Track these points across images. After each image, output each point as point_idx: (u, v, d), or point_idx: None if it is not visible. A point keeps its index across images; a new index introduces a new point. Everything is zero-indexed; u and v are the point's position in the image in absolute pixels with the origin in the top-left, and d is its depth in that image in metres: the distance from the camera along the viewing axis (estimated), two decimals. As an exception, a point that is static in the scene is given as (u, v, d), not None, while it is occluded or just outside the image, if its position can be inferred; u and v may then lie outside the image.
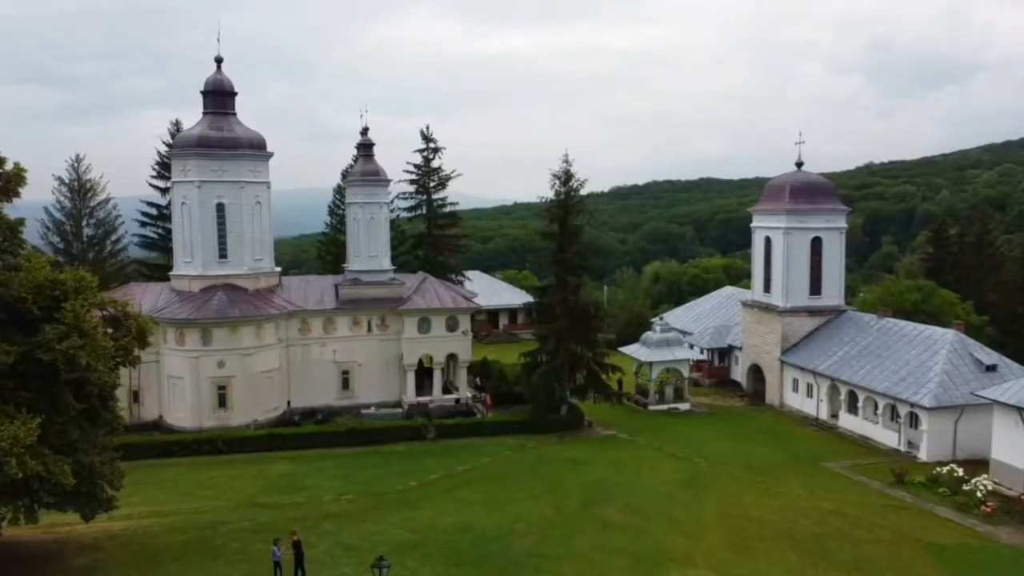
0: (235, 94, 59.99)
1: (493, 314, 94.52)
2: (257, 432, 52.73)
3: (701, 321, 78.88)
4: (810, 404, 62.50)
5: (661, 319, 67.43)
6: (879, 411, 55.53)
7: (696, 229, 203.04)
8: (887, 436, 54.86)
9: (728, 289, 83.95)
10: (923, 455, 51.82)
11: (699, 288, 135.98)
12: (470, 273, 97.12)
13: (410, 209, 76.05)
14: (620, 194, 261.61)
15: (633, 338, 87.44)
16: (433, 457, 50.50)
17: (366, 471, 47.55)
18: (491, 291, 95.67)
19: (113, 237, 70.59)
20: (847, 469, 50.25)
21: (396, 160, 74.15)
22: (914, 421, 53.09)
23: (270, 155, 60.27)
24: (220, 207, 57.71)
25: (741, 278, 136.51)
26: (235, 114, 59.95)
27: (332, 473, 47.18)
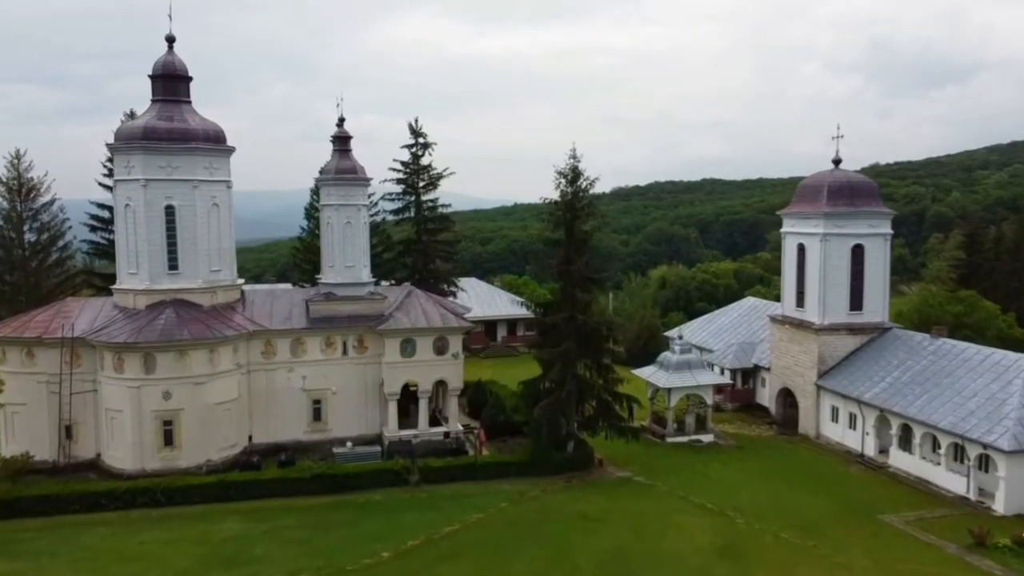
0: (189, 79, 50.37)
1: (491, 325, 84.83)
2: (204, 480, 42.98)
3: (722, 336, 69.18)
4: (853, 437, 52.90)
5: (680, 337, 57.76)
6: (941, 450, 45.95)
7: (700, 231, 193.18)
8: (951, 481, 45.28)
9: (750, 300, 74.24)
10: (1000, 507, 42.29)
11: (708, 294, 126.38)
12: (465, 281, 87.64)
13: (397, 212, 66.25)
14: (621, 195, 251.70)
15: (643, 353, 77.91)
16: (415, 511, 40.93)
17: (332, 532, 37.95)
18: (488, 300, 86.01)
19: (60, 243, 60.92)
20: (912, 525, 40.73)
21: (393, 160, 64.22)
22: (986, 465, 43.54)
23: (230, 150, 50.66)
24: (170, 210, 48.12)
25: (752, 283, 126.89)
26: (190, 102, 50.33)
27: (290, 536, 37.57)
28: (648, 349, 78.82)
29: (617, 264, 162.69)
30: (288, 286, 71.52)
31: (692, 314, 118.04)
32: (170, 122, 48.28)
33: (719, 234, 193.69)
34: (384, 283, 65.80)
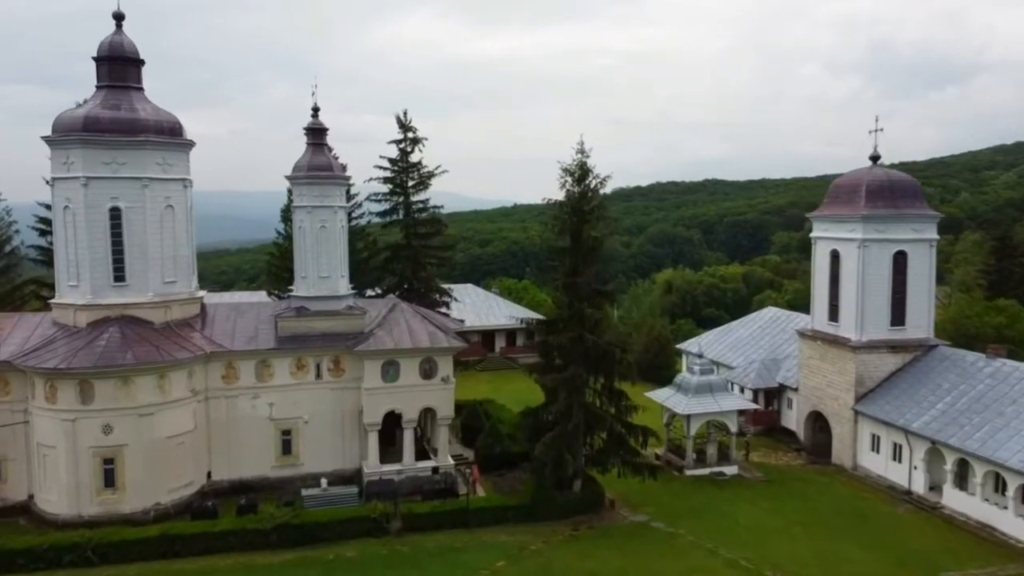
0: (141, 62, 43.12)
1: (488, 335, 77.61)
2: (144, 533, 35.55)
3: (741, 351, 61.83)
4: (898, 471, 45.66)
5: (700, 356, 50.41)
6: (1009, 493, 38.73)
7: (703, 232, 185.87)
8: (1021, 529, 38.05)
9: (771, 311, 66.85)
10: (1085, 564, 35.06)
11: (716, 299, 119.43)
12: (461, 288, 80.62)
13: (383, 214, 58.87)
14: (623, 195, 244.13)
15: (652, 367, 70.64)
16: (393, 572, 33.80)
17: (291, 604, 30.75)
18: (486, 308, 78.86)
19: (7, 249, 53.60)
20: (983, 588, 33.55)
21: (380, 157, 57.07)
22: (1065, 512, 36.34)
23: (188, 144, 43.44)
24: (115, 212, 40.91)
25: (762, 288, 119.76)
26: (141, 89, 43.11)
27: (239, 609, 30.37)
28: (657, 362, 71.69)
29: (619, 266, 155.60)
30: (262, 295, 64.56)
31: (700, 321, 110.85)
32: (116, 111, 41.03)
33: (723, 235, 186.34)
34: (370, 292, 58.74)
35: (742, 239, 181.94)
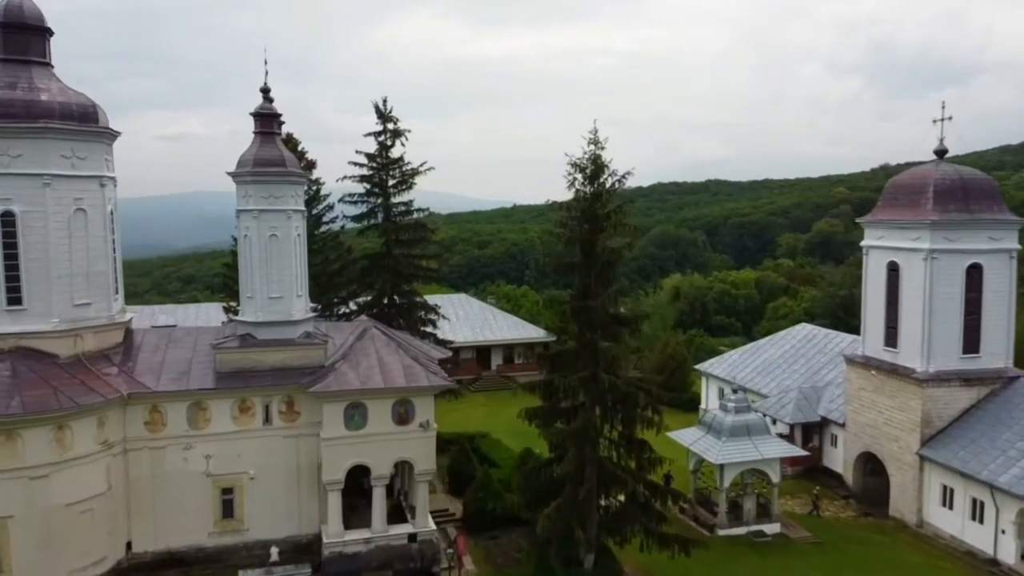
0: (47, 31, 34.00)
1: (483, 351, 68.54)
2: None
3: (773, 376, 52.57)
4: (979, 533, 36.54)
5: (736, 391, 41.17)
6: None
7: (708, 234, 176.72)
8: None
9: (805, 328, 57.42)
10: None
11: (727, 306, 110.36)
12: (455, 298, 71.94)
13: (359, 218, 49.65)
14: (624, 196, 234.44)
15: (665, 390, 61.56)
16: None
17: None
18: (481, 322, 69.75)
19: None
20: None
21: (356, 152, 47.73)
22: None
23: (108, 133, 34.27)
24: (8, 218, 31.78)
25: (776, 295, 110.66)
26: (47, 64, 34.00)
27: None
28: (672, 384, 62.48)
29: (621, 270, 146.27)
30: (218, 309, 55.52)
31: (710, 329, 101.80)
32: (10, 91, 31.84)
33: (727, 237, 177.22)
34: (344, 309, 49.60)
35: (747, 241, 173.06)
